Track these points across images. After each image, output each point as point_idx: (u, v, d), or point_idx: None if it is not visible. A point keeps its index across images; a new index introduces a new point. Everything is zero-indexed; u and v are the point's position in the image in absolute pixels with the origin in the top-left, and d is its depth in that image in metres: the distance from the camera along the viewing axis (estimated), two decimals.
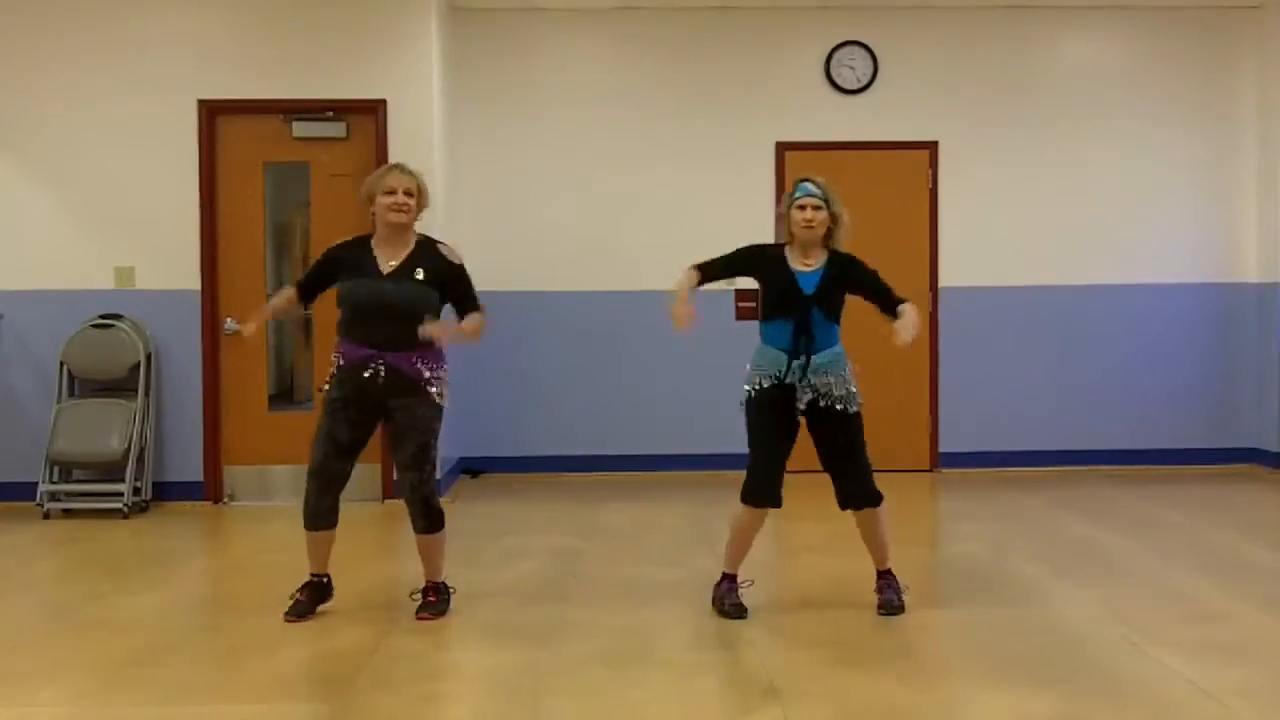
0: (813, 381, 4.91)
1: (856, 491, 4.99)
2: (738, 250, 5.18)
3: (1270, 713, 3.91)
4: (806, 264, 5.00)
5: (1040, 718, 3.87)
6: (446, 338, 4.92)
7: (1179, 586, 5.50)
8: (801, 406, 4.93)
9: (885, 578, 5.11)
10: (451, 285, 5.00)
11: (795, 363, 4.91)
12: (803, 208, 4.98)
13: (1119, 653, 4.50)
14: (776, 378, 4.93)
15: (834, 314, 5.00)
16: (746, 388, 5.05)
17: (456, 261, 5.03)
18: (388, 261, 4.93)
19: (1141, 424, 8.93)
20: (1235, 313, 8.98)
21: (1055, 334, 8.94)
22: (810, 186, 5.01)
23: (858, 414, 4.98)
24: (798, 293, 4.94)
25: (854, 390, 4.98)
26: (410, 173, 5.01)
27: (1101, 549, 6.33)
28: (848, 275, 5.01)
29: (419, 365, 4.89)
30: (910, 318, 4.86)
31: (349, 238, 5.11)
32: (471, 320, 5.04)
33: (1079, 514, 7.23)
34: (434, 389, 4.93)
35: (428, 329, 4.84)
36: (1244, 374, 8.99)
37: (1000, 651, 4.54)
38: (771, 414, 4.96)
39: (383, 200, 4.91)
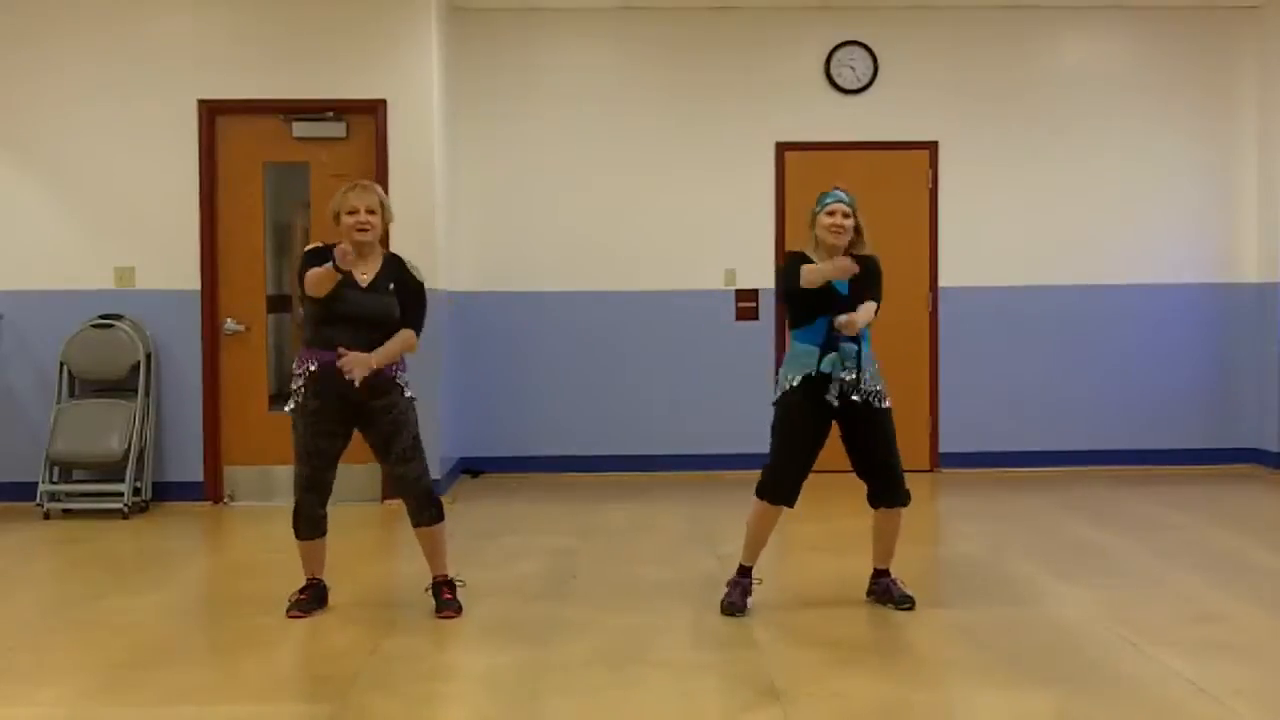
0: (847, 376, 4.93)
1: (895, 491, 5.02)
2: (789, 265, 5.03)
3: (1270, 713, 3.91)
4: None
5: (1040, 718, 3.87)
6: (373, 363, 4.89)
7: (1179, 586, 5.50)
8: (834, 402, 4.93)
9: (888, 576, 5.13)
10: (408, 300, 5.08)
11: (830, 355, 4.93)
12: (832, 214, 5.00)
13: (1119, 653, 4.50)
14: (810, 374, 4.93)
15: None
16: (778, 389, 5.06)
17: (418, 280, 5.14)
18: (360, 274, 5.01)
19: (1141, 424, 8.93)
20: (1235, 313, 8.98)
21: (1055, 334, 8.94)
22: (840, 194, 5.05)
23: (889, 410, 5.02)
24: (834, 294, 4.95)
25: (883, 388, 5.02)
26: (371, 190, 5.09)
27: (1101, 549, 6.33)
28: (863, 276, 5.00)
29: (392, 367, 5.02)
30: (864, 311, 4.93)
31: (317, 245, 5.08)
32: (395, 340, 4.99)
33: (1079, 514, 7.22)
34: (404, 384, 5.05)
35: (348, 362, 4.84)
36: (1244, 374, 8.99)
37: (1000, 651, 4.54)
38: (801, 414, 4.97)
39: (346, 220, 5.01)
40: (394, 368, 5.02)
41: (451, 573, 5.18)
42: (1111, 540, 6.51)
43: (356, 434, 5.10)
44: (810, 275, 4.91)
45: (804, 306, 5.00)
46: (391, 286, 5.03)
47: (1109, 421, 8.92)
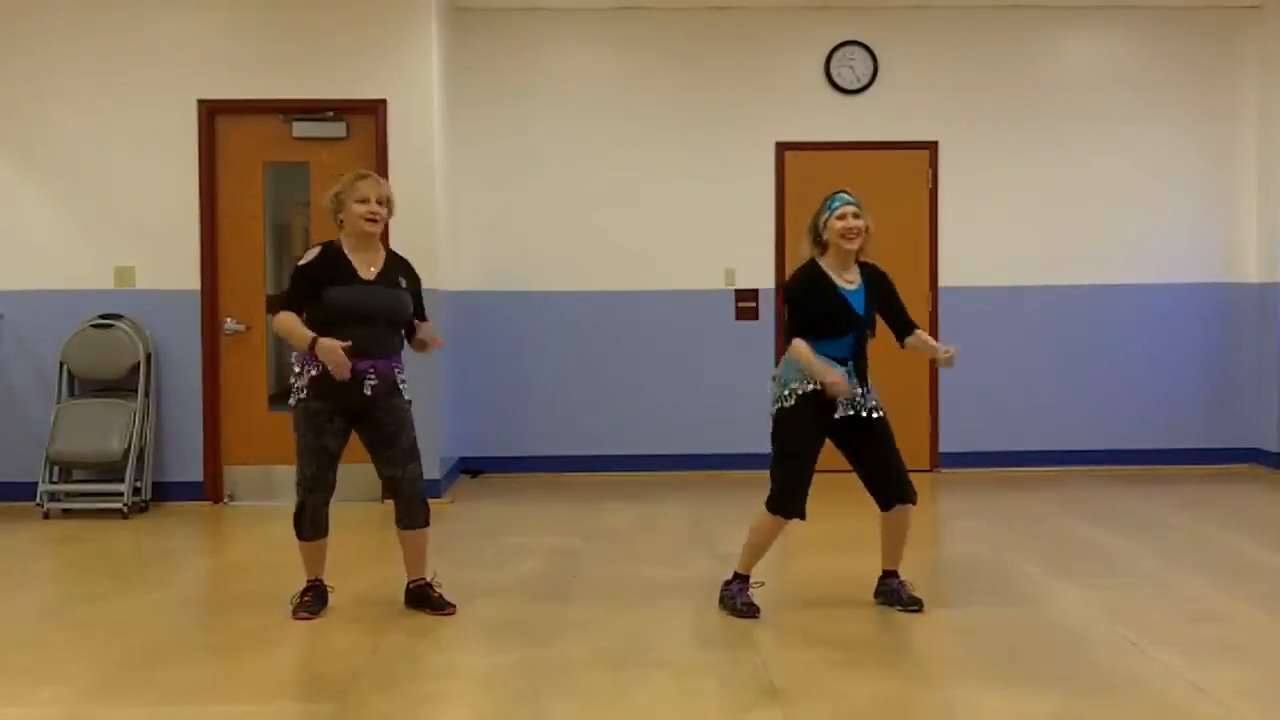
0: (860, 395, 4.93)
1: (905, 487, 4.98)
2: (802, 293, 4.95)
3: (1270, 713, 3.91)
4: (849, 281, 4.97)
5: (1040, 718, 3.86)
6: (437, 345, 5.16)
7: (1179, 586, 5.50)
8: (842, 414, 4.91)
9: (897, 577, 5.12)
10: (417, 297, 5.15)
11: (848, 368, 4.91)
12: (843, 216, 4.92)
13: (1119, 653, 4.50)
14: (818, 388, 4.86)
15: (874, 328, 5.05)
16: (783, 396, 4.92)
17: (417, 276, 5.22)
18: (367, 268, 4.99)
19: (1141, 424, 8.93)
20: (1235, 313, 8.98)
21: (1055, 334, 8.94)
22: (848, 196, 5.00)
23: (885, 417, 5.01)
24: (852, 314, 4.92)
25: (878, 400, 5.03)
26: (382, 182, 5.09)
27: (1101, 549, 6.33)
28: (881, 291, 5.03)
29: (396, 369, 5.03)
30: (936, 344, 5.07)
31: (314, 251, 5.04)
32: (431, 329, 5.21)
33: (1079, 514, 7.22)
34: (404, 388, 5.07)
35: (428, 336, 5.10)
36: (1244, 374, 8.99)
37: (1000, 651, 4.54)
38: (812, 426, 4.92)
39: (357, 209, 4.95)
40: (398, 369, 5.03)
41: (429, 575, 5.18)
42: (1112, 540, 6.51)
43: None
44: (801, 358, 4.84)
45: (830, 321, 4.92)
46: (404, 283, 5.03)
47: (1109, 421, 8.92)
